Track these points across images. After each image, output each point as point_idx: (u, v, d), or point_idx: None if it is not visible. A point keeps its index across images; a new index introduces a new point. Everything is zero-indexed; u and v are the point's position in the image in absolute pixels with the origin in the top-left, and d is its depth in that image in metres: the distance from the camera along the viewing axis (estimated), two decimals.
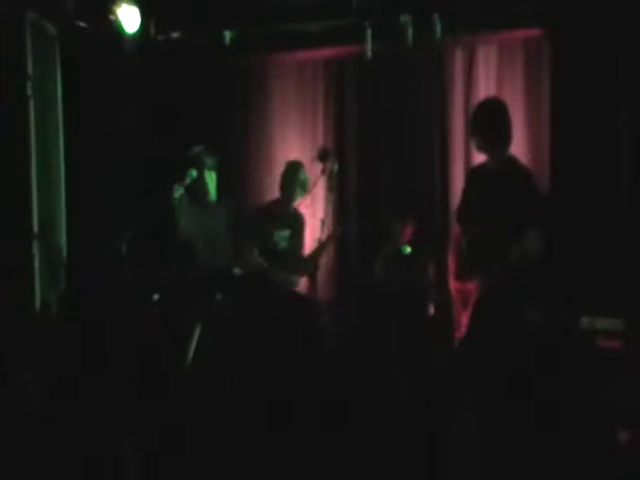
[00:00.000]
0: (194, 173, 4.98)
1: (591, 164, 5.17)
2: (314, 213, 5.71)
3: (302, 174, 5.28)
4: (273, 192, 6.13)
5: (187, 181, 4.97)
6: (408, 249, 5.51)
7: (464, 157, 5.67)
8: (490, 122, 4.51)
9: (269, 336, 3.38)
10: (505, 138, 4.52)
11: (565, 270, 5.01)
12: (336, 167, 5.18)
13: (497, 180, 4.48)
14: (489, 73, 5.63)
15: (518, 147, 5.20)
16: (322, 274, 5.40)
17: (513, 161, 4.57)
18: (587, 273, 5.01)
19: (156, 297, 5.14)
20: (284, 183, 5.33)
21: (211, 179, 5.16)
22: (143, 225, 4.86)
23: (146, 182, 5.81)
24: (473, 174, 4.83)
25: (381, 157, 5.86)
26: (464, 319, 4.42)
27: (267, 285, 5.09)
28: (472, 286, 4.43)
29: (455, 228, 4.75)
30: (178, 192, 4.94)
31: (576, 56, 5.20)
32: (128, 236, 4.88)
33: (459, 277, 4.55)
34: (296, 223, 5.37)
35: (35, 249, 5.48)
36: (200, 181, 5.11)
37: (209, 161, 5.12)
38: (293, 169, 5.33)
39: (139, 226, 4.84)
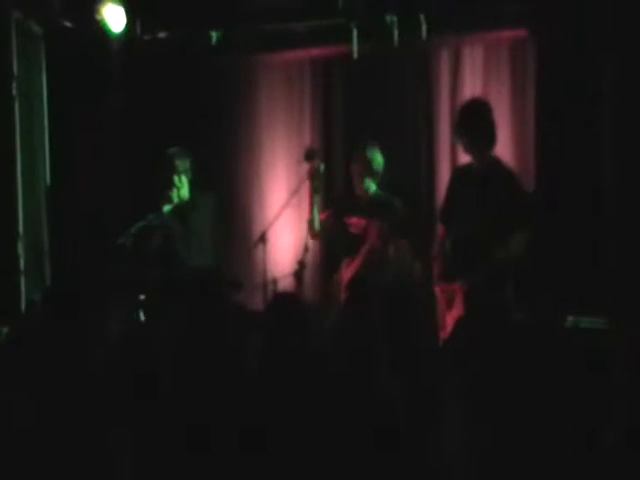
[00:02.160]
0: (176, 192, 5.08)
1: (576, 164, 5.17)
2: (300, 213, 5.70)
3: None
4: (260, 191, 6.18)
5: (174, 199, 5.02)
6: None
7: (450, 157, 5.68)
8: (474, 123, 4.53)
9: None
10: (490, 139, 4.55)
11: (550, 269, 5.04)
12: (322, 167, 5.17)
13: (481, 180, 4.50)
14: (475, 73, 5.64)
15: (503, 147, 5.20)
16: (308, 273, 5.39)
17: (497, 162, 4.60)
18: (571, 272, 5.03)
19: (142, 297, 5.16)
20: None
21: (181, 183, 5.19)
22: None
23: (131, 181, 5.81)
24: (457, 174, 4.86)
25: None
26: (448, 319, 4.44)
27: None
28: (456, 286, 4.46)
29: (439, 228, 4.77)
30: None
31: (561, 57, 5.20)
32: (133, 233, 4.95)
33: (443, 277, 4.57)
34: None
35: (20, 249, 5.47)
36: (177, 181, 5.15)
37: (181, 165, 5.16)
38: None
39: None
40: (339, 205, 5.27)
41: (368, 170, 5.13)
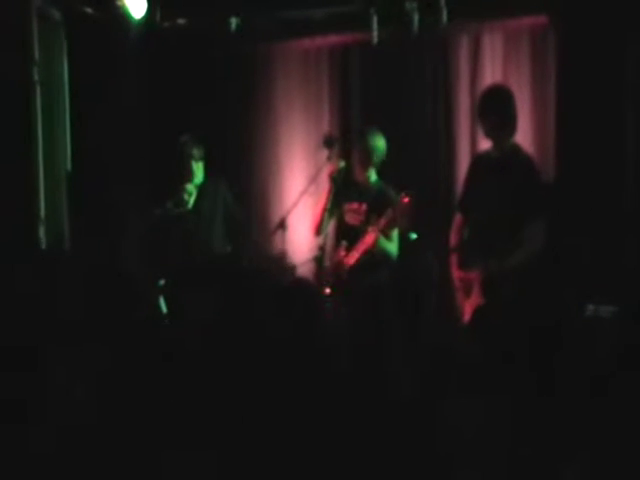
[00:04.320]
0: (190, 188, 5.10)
1: (597, 152, 5.16)
2: (318, 200, 5.72)
3: None
4: (278, 182, 6.18)
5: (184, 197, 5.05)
6: (413, 236, 5.50)
7: (469, 144, 5.66)
8: (497, 107, 4.52)
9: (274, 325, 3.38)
10: (511, 125, 4.53)
11: (569, 258, 5.02)
12: (342, 164, 5.14)
13: (499, 168, 4.49)
14: (495, 61, 5.61)
15: (524, 134, 5.19)
16: (328, 258, 5.40)
17: (516, 149, 4.58)
18: (592, 260, 5.01)
19: (162, 282, 5.21)
20: None
21: (198, 169, 5.22)
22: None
23: (151, 167, 5.84)
24: (476, 162, 4.84)
25: (386, 145, 5.86)
26: (467, 308, 4.44)
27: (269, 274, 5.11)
28: (474, 275, 4.46)
29: (457, 216, 4.77)
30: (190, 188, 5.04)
31: (582, 43, 5.18)
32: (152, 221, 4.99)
33: (462, 266, 4.56)
34: None
35: (42, 233, 5.50)
36: (187, 172, 5.14)
37: (196, 152, 5.19)
38: None
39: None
40: (339, 191, 5.23)
41: (370, 157, 5.09)
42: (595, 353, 3.64)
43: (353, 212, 5.10)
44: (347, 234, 5.09)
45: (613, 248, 5.05)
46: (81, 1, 5.63)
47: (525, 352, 3.47)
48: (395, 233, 5.03)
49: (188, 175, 5.25)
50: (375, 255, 4.96)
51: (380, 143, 5.11)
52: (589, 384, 3.16)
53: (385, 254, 4.99)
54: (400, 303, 4.99)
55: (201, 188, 5.32)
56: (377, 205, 4.98)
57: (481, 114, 4.63)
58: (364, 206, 5.06)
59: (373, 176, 5.16)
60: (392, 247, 5.03)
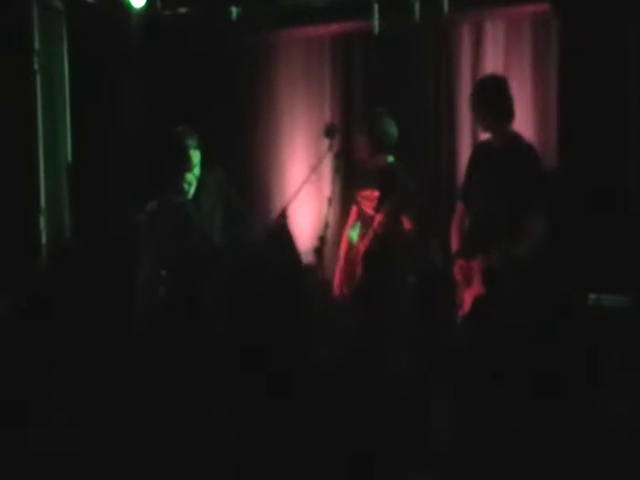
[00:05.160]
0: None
1: (600, 139, 5.13)
2: (320, 189, 5.71)
3: None
4: (280, 167, 6.18)
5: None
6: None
7: (471, 133, 5.63)
8: (490, 98, 4.50)
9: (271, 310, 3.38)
10: (506, 114, 4.52)
11: (572, 247, 5.02)
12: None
13: (500, 157, 4.48)
14: (496, 49, 5.58)
15: (526, 122, 5.21)
16: (329, 248, 5.40)
17: (516, 137, 4.56)
18: (594, 250, 5.01)
19: (163, 273, 5.20)
20: None
21: (196, 158, 5.21)
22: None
23: (152, 156, 5.83)
24: (476, 151, 4.83)
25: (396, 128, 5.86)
26: (467, 297, 4.43)
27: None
28: (475, 264, 4.44)
29: (459, 205, 4.75)
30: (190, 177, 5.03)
31: (584, 30, 5.15)
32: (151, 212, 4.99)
33: (462, 255, 4.54)
34: None
35: (42, 224, 5.51)
36: (187, 162, 5.16)
37: (192, 142, 5.17)
38: None
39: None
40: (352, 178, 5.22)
41: (382, 142, 5.06)
42: (598, 342, 3.64)
43: (366, 199, 5.10)
44: (365, 223, 5.09)
45: (617, 234, 5.02)
46: None
47: (525, 343, 3.48)
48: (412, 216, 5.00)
49: (188, 165, 5.24)
50: (388, 240, 4.96)
51: (392, 128, 5.10)
52: (589, 376, 3.15)
53: (402, 236, 4.97)
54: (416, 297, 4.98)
55: (200, 178, 5.31)
56: (386, 190, 4.96)
57: (473, 110, 4.63)
58: (375, 192, 5.05)
59: (385, 161, 5.14)
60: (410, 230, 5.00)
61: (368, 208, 5.09)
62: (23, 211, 5.42)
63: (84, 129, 5.82)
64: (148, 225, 5.16)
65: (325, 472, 2.70)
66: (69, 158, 5.82)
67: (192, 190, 5.20)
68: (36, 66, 5.49)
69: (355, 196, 5.19)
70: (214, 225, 5.26)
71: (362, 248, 5.04)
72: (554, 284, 4.63)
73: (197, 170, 5.26)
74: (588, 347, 3.50)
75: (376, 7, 5.47)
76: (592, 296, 4.56)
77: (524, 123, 5.13)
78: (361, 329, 4.50)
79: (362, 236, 5.08)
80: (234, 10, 5.75)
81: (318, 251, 5.09)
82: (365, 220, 5.10)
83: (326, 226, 5.16)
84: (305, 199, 5.51)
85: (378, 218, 4.93)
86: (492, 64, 5.53)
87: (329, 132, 5.20)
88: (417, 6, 5.41)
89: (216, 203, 5.28)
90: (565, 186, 5.10)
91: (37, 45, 5.50)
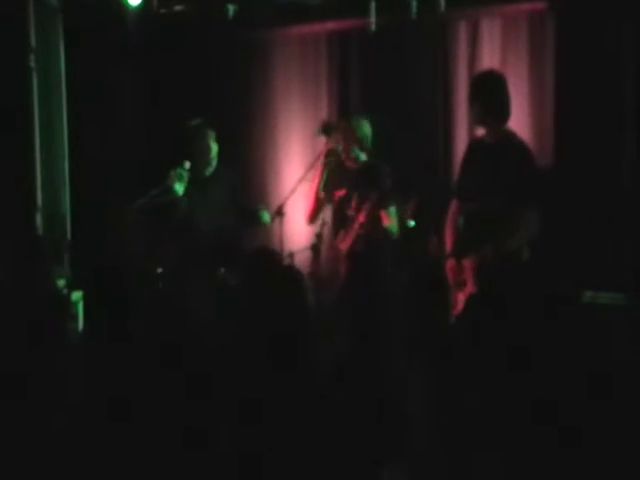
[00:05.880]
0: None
1: (595, 138, 5.16)
2: (310, 187, 5.72)
3: None
4: (276, 169, 6.18)
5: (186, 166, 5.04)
6: (412, 223, 5.50)
7: (468, 130, 5.64)
8: (487, 95, 4.51)
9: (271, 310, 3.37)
10: (502, 111, 4.52)
11: (568, 244, 5.03)
12: (339, 148, 5.14)
13: (493, 154, 4.48)
14: (493, 47, 5.60)
15: (522, 121, 5.22)
16: (326, 246, 5.41)
17: (510, 135, 4.57)
18: (589, 247, 5.02)
19: (160, 270, 5.20)
20: None
21: (214, 151, 5.22)
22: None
23: (148, 153, 5.85)
24: (471, 148, 4.83)
25: (385, 131, 5.86)
26: (460, 296, 4.44)
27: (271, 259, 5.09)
28: (467, 263, 4.45)
29: (453, 202, 4.76)
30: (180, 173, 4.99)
31: (580, 28, 5.18)
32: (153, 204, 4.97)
33: (455, 253, 4.56)
34: None
35: (39, 221, 5.52)
36: (203, 153, 5.15)
37: (211, 133, 5.18)
38: None
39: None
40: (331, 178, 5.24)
41: (353, 139, 5.09)
42: (593, 340, 3.64)
43: (342, 199, 5.12)
44: (343, 222, 5.10)
45: (613, 232, 5.06)
46: None
47: (518, 342, 3.47)
48: (392, 211, 5.02)
49: (207, 156, 5.23)
50: (371, 239, 4.97)
51: (363, 124, 5.13)
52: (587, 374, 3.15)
53: (384, 234, 4.99)
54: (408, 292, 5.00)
55: (214, 175, 5.31)
56: (363, 189, 4.98)
57: (469, 102, 4.65)
58: (351, 192, 5.07)
59: (359, 161, 5.15)
60: (390, 226, 5.03)
61: (345, 207, 5.11)
62: (20, 210, 5.43)
63: (80, 127, 5.83)
64: (135, 225, 5.16)
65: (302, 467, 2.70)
66: (66, 156, 5.83)
67: (180, 186, 5.14)
68: (32, 63, 5.49)
69: (332, 196, 5.20)
70: (226, 222, 5.26)
71: (345, 248, 5.04)
72: (549, 282, 4.65)
73: (214, 163, 5.27)
74: (583, 345, 3.50)
75: (373, 5, 5.46)
76: (588, 294, 4.56)
77: (520, 119, 5.13)
78: (350, 328, 4.52)
79: (342, 236, 5.09)
80: (230, 8, 5.74)
81: (315, 248, 5.12)
82: (343, 220, 5.11)
83: (323, 224, 5.19)
84: (302, 197, 5.52)
85: (360, 219, 4.93)
86: (488, 62, 5.54)
87: (325, 130, 5.24)
88: (414, 4, 5.41)
89: (228, 201, 5.28)
90: (561, 183, 5.12)
91: (34, 42, 5.50)
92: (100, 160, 5.89)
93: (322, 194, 5.19)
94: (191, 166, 5.13)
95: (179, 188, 5.08)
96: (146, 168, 5.74)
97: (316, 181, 5.20)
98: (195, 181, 5.19)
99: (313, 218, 5.23)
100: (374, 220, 4.96)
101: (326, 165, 5.17)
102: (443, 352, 3.32)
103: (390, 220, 5.01)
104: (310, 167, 5.33)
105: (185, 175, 5.08)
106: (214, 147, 5.25)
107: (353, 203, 5.02)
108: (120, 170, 5.92)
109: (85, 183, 5.84)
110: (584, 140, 5.20)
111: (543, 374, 3.05)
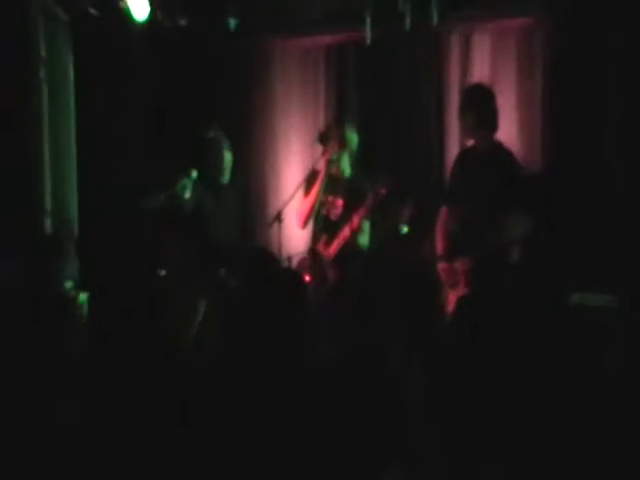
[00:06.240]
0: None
1: (583, 148, 5.28)
2: (307, 194, 5.82)
3: None
4: (275, 176, 6.33)
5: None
6: (405, 229, 5.63)
7: (460, 140, 5.73)
8: (478, 106, 4.64)
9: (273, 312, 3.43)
10: (491, 123, 4.65)
11: (555, 247, 5.11)
12: (335, 157, 5.26)
13: (482, 162, 4.61)
14: (484, 59, 5.72)
15: (511, 131, 5.35)
16: None
17: (498, 144, 4.72)
18: (577, 250, 5.10)
19: (163, 272, 5.31)
20: None
21: (228, 160, 5.33)
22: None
23: (155, 164, 5.94)
24: (461, 156, 4.97)
25: (380, 140, 5.98)
26: (451, 298, 4.54)
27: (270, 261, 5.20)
28: (459, 266, 4.59)
29: (443, 209, 4.90)
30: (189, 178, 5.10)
31: (567, 43, 5.30)
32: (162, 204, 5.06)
33: (446, 257, 4.70)
34: None
35: (48, 224, 5.64)
36: (218, 162, 5.26)
37: (226, 143, 5.29)
38: None
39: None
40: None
41: (343, 149, 5.20)
42: (582, 343, 3.69)
43: (331, 205, 5.25)
44: (327, 227, 5.23)
45: (601, 235, 5.13)
46: (86, 1, 5.73)
47: (507, 342, 3.52)
48: (366, 225, 5.16)
49: (221, 166, 5.31)
50: (347, 248, 5.12)
51: (352, 134, 5.24)
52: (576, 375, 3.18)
53: (356, 247, 5.14)
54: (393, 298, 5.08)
55: (229, 184, 5.42)
56: (352, 201, 5.12)
57: (460, 113, 4.76)
58: (340, 201, 5.21)
59: (347, 170, 5.28)
60: (363, 239, 5.18)
61: (332, 214, 5.24)
62: (29, 216, 5.53)
63: (89, 137, 5.92)
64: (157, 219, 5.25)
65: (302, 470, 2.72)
66: (74, 166, 5.92)
67: (187, 194, 5.25)
68: (42, 75, 5.61)
69: (323, 201, 5.31)
70: (231, 228, 5.35)
71: (331, 253, 5.17)
72: (538, 284, 4.75)
73: (228, 173, 5.37)
74: (573, 346, 3.53)
75: (368, 18, 5.58)
76: (576, 295, 4.61)
77: (509, 131, 5.27)
78: (342, 331, 4.60)
79: (325, 241, 5.22)
80: (232, 21, 5.87)
81: (313, 252, 5.26)
82: (327, 225, 5.24)
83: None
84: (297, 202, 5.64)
85: (349, 226, 5.05)
86: (479, 73, 5.67)
87: (322, 139, 5.35)
88: (408, 18, 5.51)
89: (235, 212, 5.40)
90: (549, 189, 5.19)
91: (43, 54, 5.61)
92: (108, 171, 5.98)
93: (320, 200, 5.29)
94: (206, 175, 5.24)
95: (186, 194, 5.19)
96: (152, 175, 5.85)
97: (317, 187, 5.29)
98: (210, 189, 5.30)
99: (307, 223, 5.33)
100: (359, 229, 5.09)
101: (327, 172, 5.27)
102: (437, 353, 3.37)
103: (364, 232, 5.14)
104: (309, 174, 5.45)
105: (191, 183, 5.20)
106: (228, 156, 5.37)
107: (342, 209, 5.15)
108: (128, 180, 5.99)
109: (93, 187, 5.93)
110: (571, 149, 5.31)
111: (532, 375, 3.10)
